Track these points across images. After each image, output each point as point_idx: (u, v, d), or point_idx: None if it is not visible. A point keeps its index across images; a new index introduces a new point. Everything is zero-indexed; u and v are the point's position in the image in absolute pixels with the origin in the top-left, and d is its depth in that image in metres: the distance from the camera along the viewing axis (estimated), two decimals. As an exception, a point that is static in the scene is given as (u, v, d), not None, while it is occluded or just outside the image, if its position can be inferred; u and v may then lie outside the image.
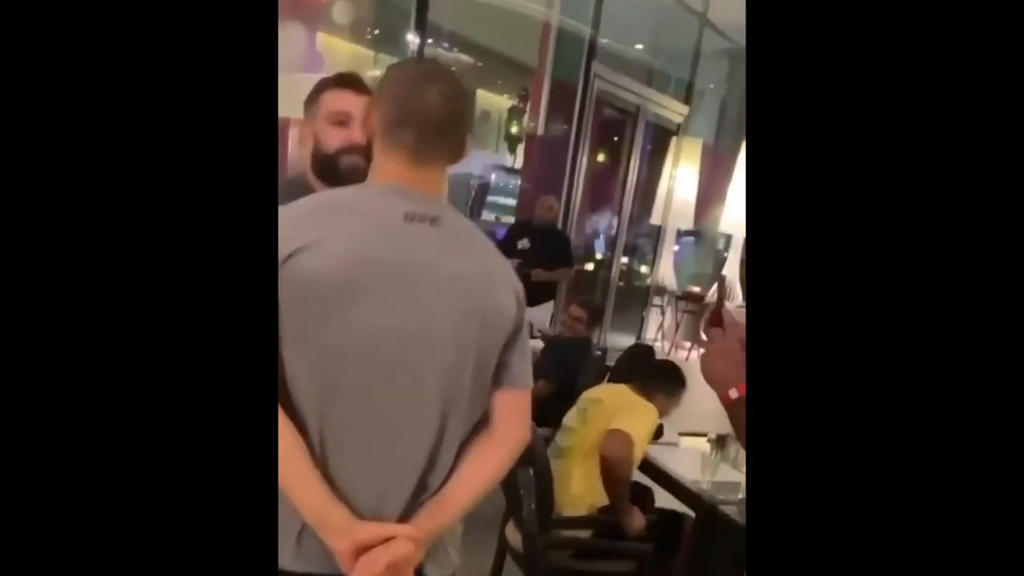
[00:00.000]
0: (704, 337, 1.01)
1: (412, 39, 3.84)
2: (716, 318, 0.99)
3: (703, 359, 0.98)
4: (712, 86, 7.52)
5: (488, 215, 6.64)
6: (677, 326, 6.74)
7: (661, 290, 6.87)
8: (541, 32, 4.99)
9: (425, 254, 0.94)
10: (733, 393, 0.92)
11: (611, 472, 1.96)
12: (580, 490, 2.10)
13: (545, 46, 4.97)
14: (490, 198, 6.68)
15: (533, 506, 1.91)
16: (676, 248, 7.13)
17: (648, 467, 2.26)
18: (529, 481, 1.91)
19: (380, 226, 0.93)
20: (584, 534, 2.11)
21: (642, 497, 2.28)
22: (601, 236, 6.51)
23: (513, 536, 2.08)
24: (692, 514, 2.14)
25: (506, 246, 4.24)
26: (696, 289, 6.90)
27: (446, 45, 5.36)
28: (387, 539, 0.90)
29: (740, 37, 6.65)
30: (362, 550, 0.89)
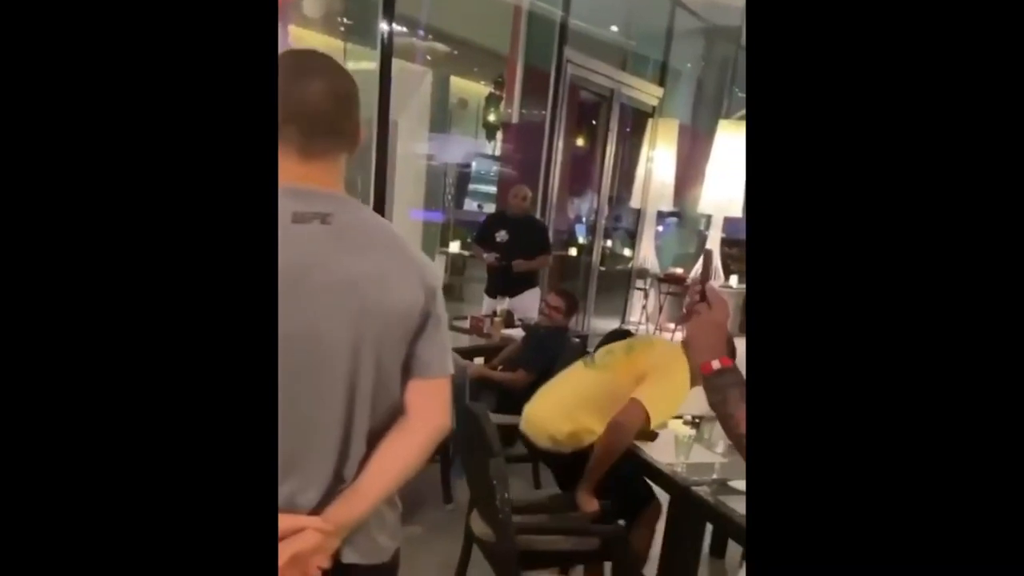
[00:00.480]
0: (686, 312, 1.02)
1: (385, 28, 3.83)
2: (701, 294, 1.00)
3: (688, 328, 0.99)
4: (689, 65, 7.51)
5: (470, 203, 6.64)
6: (661, 308, 6.77)
7: (643, 272, 6.89)
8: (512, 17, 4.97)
9: (314, 256, 0.93)
10: (715, 364, 0.94)
11: (609, 435, 1.98)
12: (576, 407, 2.11)
13: (516, 32, 4.95)
14: (472, 186, 6.68)
15: (507, 494, 1.93)
16: (659, 229, 7.14)
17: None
18: (502, 471, 1.93)
19: None
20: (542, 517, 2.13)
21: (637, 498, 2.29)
22: (583, 220, 6.52)
23: (478, 526, 2.11)
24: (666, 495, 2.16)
25: (484, 240, 4.26)
26: (678, 270, 6.93)
27: (421, 33, 5.33)
28: (298, 530, 0.92)
29: (712, 16, 6.64)
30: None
